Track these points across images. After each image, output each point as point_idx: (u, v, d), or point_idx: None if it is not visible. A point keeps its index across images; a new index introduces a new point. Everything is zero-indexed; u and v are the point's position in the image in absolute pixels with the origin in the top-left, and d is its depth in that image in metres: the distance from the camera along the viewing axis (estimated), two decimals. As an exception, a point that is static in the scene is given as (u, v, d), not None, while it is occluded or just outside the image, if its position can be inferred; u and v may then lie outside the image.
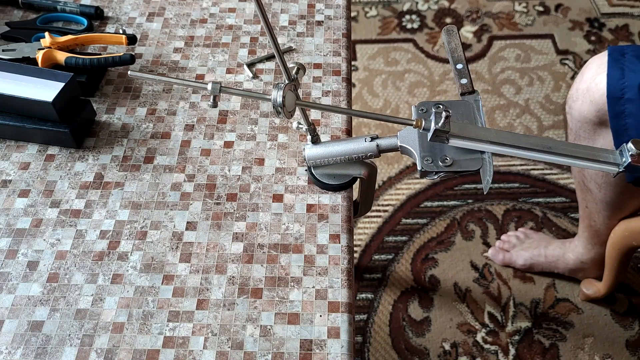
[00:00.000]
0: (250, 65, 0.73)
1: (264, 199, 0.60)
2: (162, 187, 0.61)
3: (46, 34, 0.70)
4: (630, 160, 0.50)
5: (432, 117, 0.50)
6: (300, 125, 0.59)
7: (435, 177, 0.54)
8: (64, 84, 0.62)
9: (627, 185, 0.97)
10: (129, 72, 0.55)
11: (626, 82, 0.82)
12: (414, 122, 0.51)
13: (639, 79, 0.81)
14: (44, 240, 0.57)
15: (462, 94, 0.59)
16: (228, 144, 0.65)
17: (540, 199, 1.43)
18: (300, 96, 0.65)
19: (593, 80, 0.89)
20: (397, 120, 0.52)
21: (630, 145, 0.50)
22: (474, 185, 1.46)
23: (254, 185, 0.62)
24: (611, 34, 1.80)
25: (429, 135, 0.51)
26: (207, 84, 0.52)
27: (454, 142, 0.51)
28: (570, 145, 0.52)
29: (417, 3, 1.90)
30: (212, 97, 0.52)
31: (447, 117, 0.50)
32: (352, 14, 1.86)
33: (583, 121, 0.93)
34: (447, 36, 0.63)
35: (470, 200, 1.43)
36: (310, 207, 0.60)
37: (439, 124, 0.50)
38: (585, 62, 0.97)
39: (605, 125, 0.90)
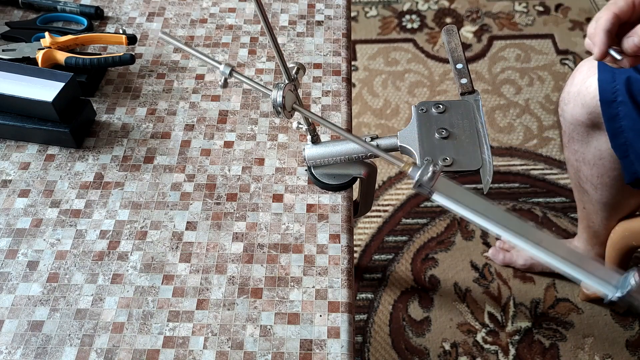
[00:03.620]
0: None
1: (264, 199, 0.60)
2: (162, 187, 0.61)
3: (46, 34, 0.70)
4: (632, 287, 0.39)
5: (422, 167, 0.44)
6: (300, 125, 0.59)
7: (435, 177, 0.54)
8: (64, 84, 0.62)
9: (622, 186, 0.97)
10: (159, 34, 0.55)
11: (617, 86, 0.83)
12: (402, 165, 0.45)
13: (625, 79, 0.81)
14: (44, 240, 0.57)
15: (462, 94, 0.59)
16: (228, 144, 0.65)
17: (540, 199, 1.43)
18: (300, 96, 0.65)
19: (583, 83, 0.89)
20: (387, 158, 0.48)
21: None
22: (474, 185, 1.46)
23: (254, 185, 0.62)
24: (611, 34, 1.80)
25: (413, 183, 0.44)
26: (220, 64, 0.52)
27: (437, 197, 0.44)
28: (561, 247, 0.41)
29: (417, 3, 1.90)
30: (222, 78, 0.52)
31: (434, 173, 0.43)
32: (352, 14, 1.86)
33: (575, 124, 0.94)
34: (447, 36, 0.63)
35: (470, 200, 1.43)
36: (310, 207, 0.60)
37: (426, 177, 0.43)
38: (585, 62, 0.97)
39: (597, 127, 0.90)
